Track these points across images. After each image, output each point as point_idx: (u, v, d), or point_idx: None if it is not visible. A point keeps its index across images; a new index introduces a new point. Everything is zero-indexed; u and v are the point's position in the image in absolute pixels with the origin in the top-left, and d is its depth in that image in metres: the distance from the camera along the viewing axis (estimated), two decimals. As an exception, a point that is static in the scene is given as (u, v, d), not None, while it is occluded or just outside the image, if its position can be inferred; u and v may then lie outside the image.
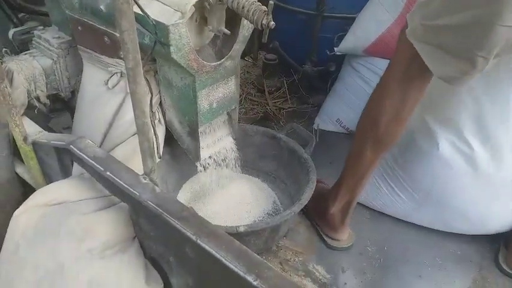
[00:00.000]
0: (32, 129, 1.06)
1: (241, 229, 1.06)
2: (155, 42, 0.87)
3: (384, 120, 1.06)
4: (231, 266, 0.66)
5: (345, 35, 1.73)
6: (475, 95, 1.18)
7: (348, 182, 1.23)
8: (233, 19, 1.00)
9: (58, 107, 1.42)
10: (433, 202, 1.32)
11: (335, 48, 1.75)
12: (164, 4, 0.90)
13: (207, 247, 0.70)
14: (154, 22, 0.82)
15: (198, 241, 0.71)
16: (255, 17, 0.86)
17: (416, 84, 1.01)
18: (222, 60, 1.03)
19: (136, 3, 0.72)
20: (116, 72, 1.05)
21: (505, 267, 1.28)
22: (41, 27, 1.27)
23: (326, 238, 1.35)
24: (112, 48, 1.03)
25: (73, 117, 1.24)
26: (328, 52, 1.80)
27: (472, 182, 1.24)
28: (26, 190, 1.14)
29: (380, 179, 1.41)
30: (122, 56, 0.99)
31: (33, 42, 1.25)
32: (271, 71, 2.23)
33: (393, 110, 1.05)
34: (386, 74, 1.07)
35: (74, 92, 1.27)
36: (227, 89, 1.12)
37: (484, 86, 1.15)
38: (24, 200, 0.96)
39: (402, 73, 1.01)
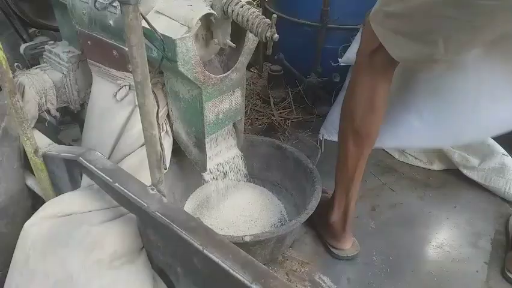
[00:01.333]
0: (42, 141, 1.08)
1: (247, 239, 1.07)
2: (162, 57, 0.89)
3: (359, 110, 1.10)
4: (238, 276, 0.66)
5: (349, 46, 1.75)
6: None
7: (341, 185, 1.25)
8: (238, 32, 1.02)
9: (67, 120, 1.45)
10: (441, 116, 1.30)
11: (339, 59, 1.77)
12: (171, 19, 0.92)
13: (213, 257, 0.71)
14: (161, 37, 0.84)
15: (205, 251, 0.72)
16: (259, 30, 0.88)
17: (382, 73, 1.05)
18: (228, 72, 1.05)
19: (145, 19, 0.74)
20: (125, 85, 1.07)
21: (509, 274, 1.27)
22: (52, 41, 1.30)
23: (330, 248, 1.35)
24: (121, 62, 1.05)
25: (82, 129, 1.26)
26: (332, 63, 1.82)
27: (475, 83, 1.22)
28: (35, 202, 1.16)
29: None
30: (130, 70, 1.02)
31: (44, 56, 1.28)
32: (276, 82, 2.25)
33: (365, 99, 1.08)
34: (355, 65, 1.11)
35: (83, 105, 1.29)
36: (233, 100, 1.14)
37: None
38: (33, 212, 0.97)
39: (369, 62, 1.05)
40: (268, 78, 2.30)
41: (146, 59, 0.69)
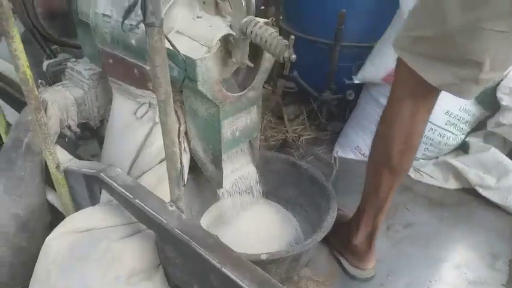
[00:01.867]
0: (63, 157, 1.11)
1: (264, 257, 1.07)
2: (184, 77, 0.91)
3: (396, 149, 1.06)
4: (256, 295, 0.67)
5: (363, 63, 1.76)
6: None
7: (369, 213, 1.22)
8: (255, 51, 1.04)
9: (86, 135, 1.48)
10: None
11: (354, 77, 1.78)
12: (192, 39, 0.95)
13: (231, 275, 0.71)
14: (183, 58, 0.86)
15: (223, 269, 0.73)
16: (277, 51, 0.90)
17: (425, 104, 1.01)
18: (245, 91, 1.07)
19: (169, 40, 0.76)
20: (145, 103, 1.09)
21: None
22: (74, 59, 1.34)
23: (350, 268, 1.34)
24: (141, 80, 1.07)
25: (100, 145, 1.29)
26: (346, 81, 1.83)
27: None
28: (53, 217, 1.18)
29: None
30: (150, 87, 1.04)
31: (66, 73, 1.31)
32: (290, 99, 2.27)
33: (404, 137, 1.04)
34: (391, 102, 1.05)
35: (103, 121, 1.32)
36: (249, 118, 1.15)
37: None
38: (52, 227, 0.99)
39: (410, 96, 1.00)
40: (282, 95, 2.32)
41: (169, 78, 0.71)
